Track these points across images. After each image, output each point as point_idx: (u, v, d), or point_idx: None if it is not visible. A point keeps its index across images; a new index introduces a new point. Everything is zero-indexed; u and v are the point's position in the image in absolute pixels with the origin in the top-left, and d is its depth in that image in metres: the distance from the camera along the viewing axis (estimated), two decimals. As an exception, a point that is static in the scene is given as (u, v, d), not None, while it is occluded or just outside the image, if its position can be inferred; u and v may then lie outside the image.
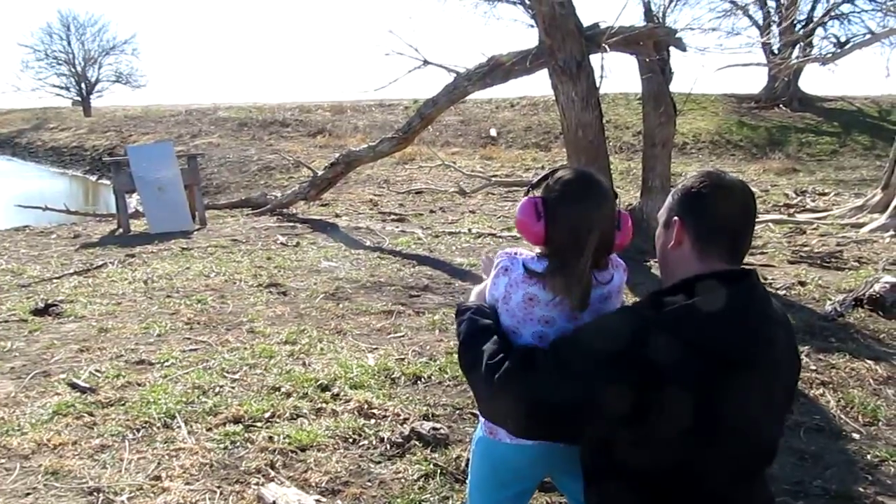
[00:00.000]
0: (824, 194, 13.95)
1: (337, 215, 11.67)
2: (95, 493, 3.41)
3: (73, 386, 4.65)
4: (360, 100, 29.22)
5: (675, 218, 1.76)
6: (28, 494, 3.42)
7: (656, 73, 8.63)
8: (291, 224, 10.72)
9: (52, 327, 5.94)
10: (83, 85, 48.93)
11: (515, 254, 2.01)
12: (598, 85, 8.56)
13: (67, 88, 49.73)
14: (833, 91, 26.46)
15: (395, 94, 32.82)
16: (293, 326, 5.79)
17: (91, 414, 4.24)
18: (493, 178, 15.13)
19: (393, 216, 11.68)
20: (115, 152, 22.35)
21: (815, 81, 36.18)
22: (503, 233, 10.00)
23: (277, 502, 3.23)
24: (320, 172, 11.52)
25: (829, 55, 12.59)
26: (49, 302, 6.48)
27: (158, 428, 4.04)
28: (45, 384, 4.73)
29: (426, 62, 9.56)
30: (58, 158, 29.75)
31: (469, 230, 10.13)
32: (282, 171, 18.06)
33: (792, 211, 12.23)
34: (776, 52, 19.73)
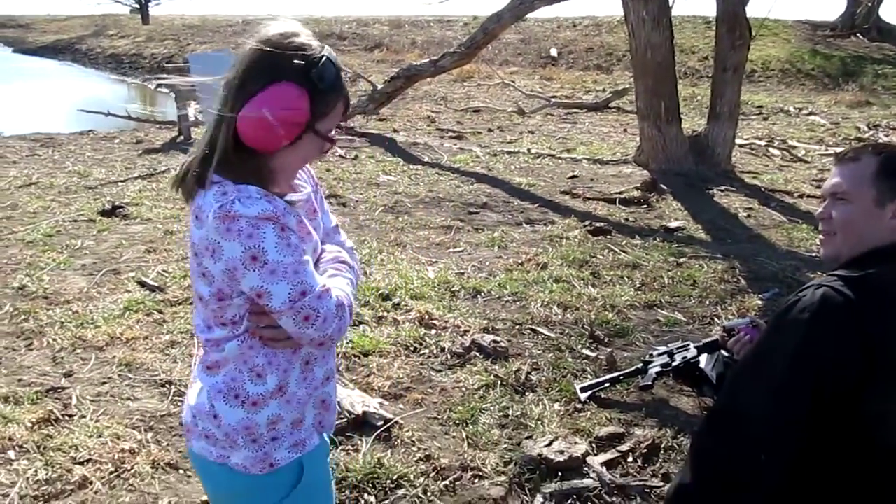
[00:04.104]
0: (898, 129, 13.41)
1: (395, 130, 11.60)
2: (167, 385, 3.53)
3: (143, 284, 4.79)
4: (419, 15, 28.67)
5: None
6: (104, 383, 3.56)
7: (733, -8, 8.26)
8: (349, 137, 10.69)
9: (119, 228, 6.09)
10: (142, -8, 48.84)
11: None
12: (670, 4, 8.27)
13: (127, -5, 49.75)
14: (915, 21, 25.11)
15: (455, 10, 32.16)
16: (354, 237, 5.79)
17: (160, 311, 4.36)
18: (553, 99, 14.83)
19: (451, 133, 11.56)
20: (173, 61, 22.45)
21: (896, 10, 34.21)
22: (562, 154, 9.85)
23: (342, 403, 3.30)
24: (380, 86, 11.42)
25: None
26: (116, 204, 6.62)
27: (225, 327, 4.14)
28: (116, 282, 4.87)
29: (493, -26, 9.30)
30: (117, 65, 29.99)
31: (528, 150, 9.99)
32: (339, 85, 17.96)
33: (864, 145, 11.79)
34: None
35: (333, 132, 1.60)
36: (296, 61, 1.50)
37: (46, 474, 2.84)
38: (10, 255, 5.30)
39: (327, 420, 1.74)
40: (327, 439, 1.79)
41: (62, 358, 3.80)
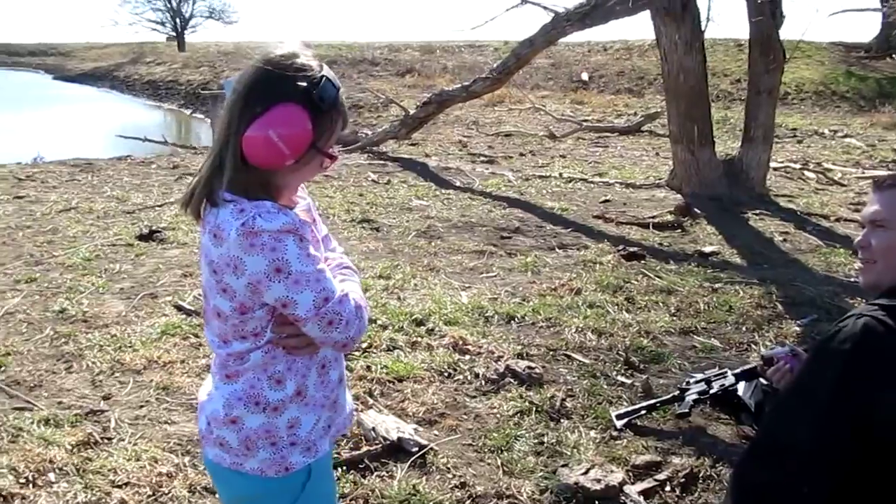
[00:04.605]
0: (936, 151, 13.18)
1: (426, 155, 11.67)
2: (204, 410, 3.56)
3: (179, 308, 4.84)
4: (450, 40, 28.91)
5: None
6: (142, 406, 3.61)
7: (766, 16, 8.22)
8: (382, 162, 10.78)
9: (156, 252, 6.17)
10: (178, 20, 50.01)
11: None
12: (703, 28, 8.25)
13: (163, 23, 51.03)
14: (952, 42, 24.69)
15: (485, 35, 32.35)
16: (387, 262, 5.86)
17: (196, 335, 4.40)
18: (584, 123, 14.84)
19: (482, 158, 11.60)
20: (209, 87, 22.83)
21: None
22: (594, 178, 9.83)
23: (377, 429, 3.31)
24: (412, 111, 11.50)
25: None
26: (153, 228, 6.72)
27: (261, 352, 4.17)
28: (153, 305, 4.94)
29: (525, 0, 9.35)
30: (153, 92, 30.66)
31: (560, 174, 9.99)
32: (370, 110, 18.12)
33: (900, 167, 11.62)
34: (894, -3, 18.55)
35: (334, 149, 1.66)
36: (298, 83, 1.54)
37: (86, 497, 2.87)
38: (50, 278, 5.40)
39: (336, 421, 1.79)
40: (331, 448, 1.83)
41: (101, 381, 3.86)
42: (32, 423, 3.37)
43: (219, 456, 1.69)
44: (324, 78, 1.57)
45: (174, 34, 49.19)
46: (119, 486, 2.94)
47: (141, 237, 6.51)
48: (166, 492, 2.93)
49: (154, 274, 5.58)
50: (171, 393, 3.73)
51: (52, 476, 3.00)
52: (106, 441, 3.29)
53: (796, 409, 1.67)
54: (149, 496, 2.90)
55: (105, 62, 40.48)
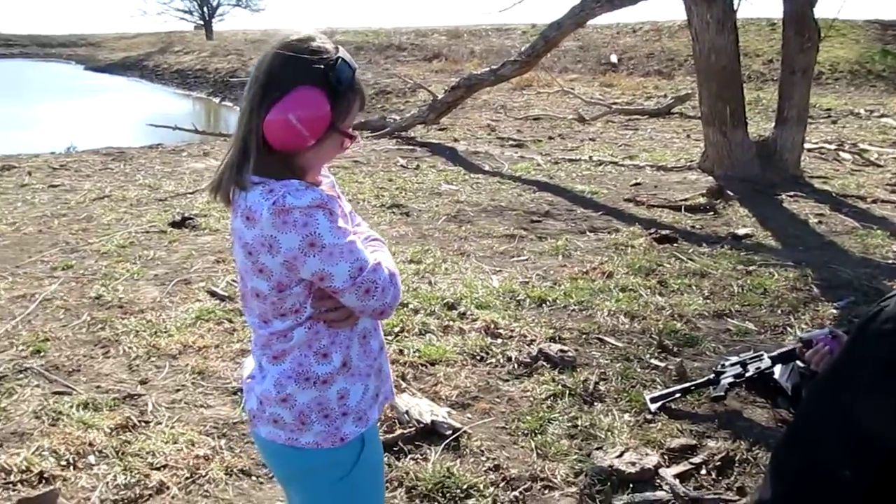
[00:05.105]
0: (976, 130, 12.88)
1: (455, 139, 11.64)
2: (239, 393, 3.59)
3: (213, 294, 4.89)
4: (477, 24, 28.77)
5: None
6: (178, 390, 3.65)
7: (800, -7, 8.06)
8: (410, 147, 10.76)
9: (189, 239, 6.23)
10: (205, 9, 50.26)
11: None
12: (735, 7, 8.12)
13: (190, 12, 51.33)
14: None
15: (513, 18, 32.13)
16: (417, 246, 5.86)
17: (230, 321, 4.45)
18: (614, 106, 14.70)
19: (511, 142, 11.54)
20: (237, 75, 22.95)
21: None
22: (625, 161, 9.74)
23: (410, 412, 3.32)
24: (440, 96, 11.46)
25: None
26: (185, 215, 6.78)
27: (293, 336, 4.20)
28: (187, 291, 4.99)
29: (553, -18, 9.26)
30: (182, 81, 30.90)
31: (590, 158, 9.91)
32: (398, 95, 18.11)
33: (939, 147, 11.35)
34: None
35: (352, 129, 1.71)
36: (315, 65, 1.58)
37: (125, 479, 2.91)
38: (86, 265, 5.47)
39: (383, 389, 1.83)
40: (379, 416, 1.86)
41: (138, 366, 3.91)
42: (72, 406, 3.43)
43: (273, 433, 1.72)
44: (339, 59, 1.60)
45: (202, 23, 49.46)
46: (157, 469, 2.99)
47: (174, 224, 6.57)
48: (203, 474, 2.97)
49: (187, 260, 5.63)
50: (207, 377, 3.77)
51: (91, 458, 3.05)
52: (143, 424, 3.33)
53: (836, 393, 1.64)
54: (187, 478, 2.94)
55: (134, 52, 40.89)
